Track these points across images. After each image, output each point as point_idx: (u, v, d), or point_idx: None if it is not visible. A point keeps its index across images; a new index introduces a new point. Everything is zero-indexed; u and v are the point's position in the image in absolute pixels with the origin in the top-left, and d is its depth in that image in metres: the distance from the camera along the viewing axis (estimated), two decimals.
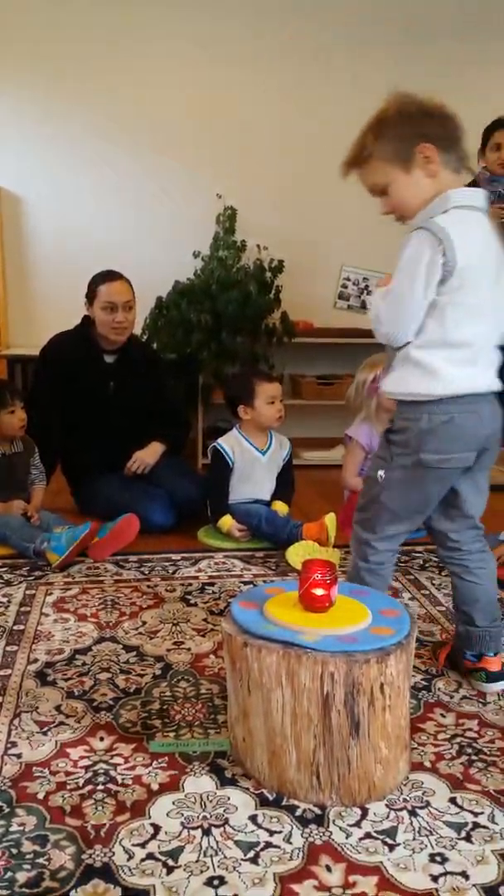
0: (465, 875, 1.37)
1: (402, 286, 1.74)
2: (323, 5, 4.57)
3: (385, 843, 1.45)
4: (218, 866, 1.38)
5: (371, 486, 1.93)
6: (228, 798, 1.57)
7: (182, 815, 1.51)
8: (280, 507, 3.20)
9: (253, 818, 1.51)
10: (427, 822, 1.50)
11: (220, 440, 3.22)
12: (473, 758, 1.71)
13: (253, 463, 3.19)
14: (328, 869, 1.38)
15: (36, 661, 2.13)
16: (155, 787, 1.60)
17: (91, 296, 3.36)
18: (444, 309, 1.73)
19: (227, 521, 3.11)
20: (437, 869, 1.38)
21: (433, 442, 1.78)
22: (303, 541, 2.91)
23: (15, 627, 2.33)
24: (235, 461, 3.17)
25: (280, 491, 3.28)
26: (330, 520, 2.96)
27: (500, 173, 3.77)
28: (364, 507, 1.95)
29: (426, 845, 1.44)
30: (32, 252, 4.69)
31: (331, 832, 1.47)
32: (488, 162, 3.79)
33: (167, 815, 1.51)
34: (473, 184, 3.88)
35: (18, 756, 1.69)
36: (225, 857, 1.40)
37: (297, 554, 2.83)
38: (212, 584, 2.68)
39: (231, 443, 3.19)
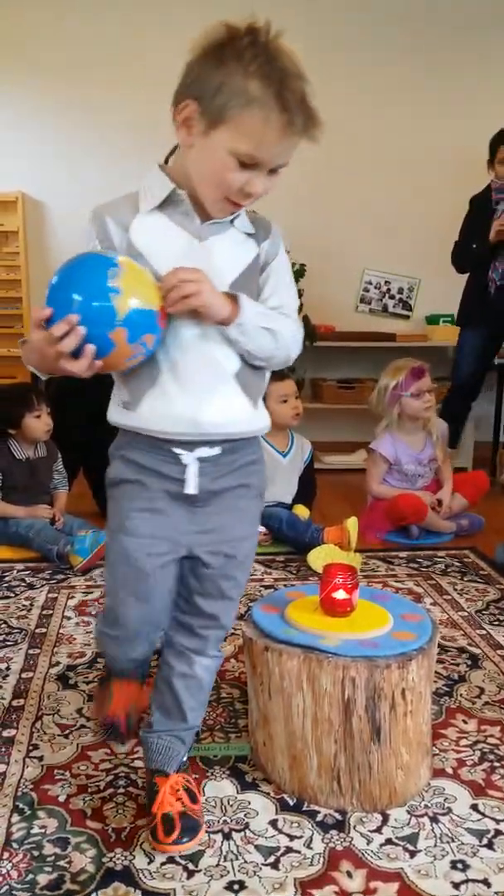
0: (486, 883, 1.36)
1: (295, 302, 1.48)
2: (332, 15, 4.57)
3: (406, 849, 1.44)
4: (238, 871, 1.38)
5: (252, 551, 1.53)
6: (249, 802, 1.57)
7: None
8: (301, 511, 3.19)
9: (273, 823, 1.51)
10: (448, 829, 1.50)
11: None
12: (496, 764, 1.70)
13: (274, 466, 3.19)
14: (349, 875, 1.37)
15: (58, 664, 2.14)
16: None
17: None
18: None
19: None
20: (458, 876, 1.37)
21: None
22: (324, 544, 2.91)
23: (37, 631, 2.34)
24: None
25: (302, 495, 3.27)
26: (351, 523, 2.94)
27: None
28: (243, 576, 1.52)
29: (447, 852, 1.43)
30: (55, 257, 4.72)
31: (351, 838, 1.47)
32: (498, 174, 3.80)
33: None
34: (487, 191, 3.87)
35: (40, 759, 1.70)
36: (245, 861, 1.40)
37: (318, 558, 2.83)
38: None
39: None
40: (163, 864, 1.39)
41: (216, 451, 1.40)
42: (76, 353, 1.20)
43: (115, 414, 1.43)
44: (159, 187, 1.34)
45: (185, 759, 1.55)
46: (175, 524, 1.42)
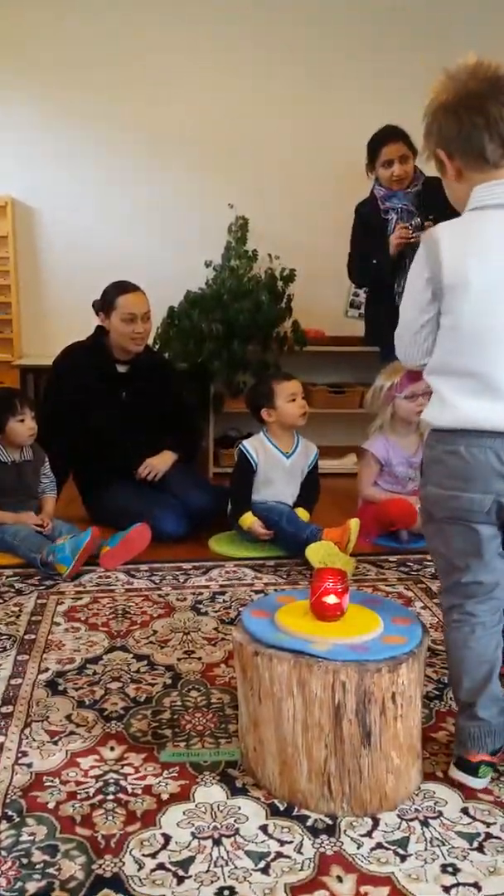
0: (477, 886, 1.36)
1: (403, 306, 1.63)
2: (333, 16, 4.58)
3: (396, 853, 1.44)
4: (228, 876, 1.37)
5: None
6: (239, 808, 1.56)
7: (192, 825, 1.51)
8: (301, 514, 3.18)
9: (264, 828, 1.50)
10: (439, 833, 1.49)
11: (245, 442, 3.23)
12: None
13: (276, 466, 3.19)
14: (339, 879, 1.37)
15: (47, 670, 2.13)
16: (165, 796, 1.59)
17: (108, 307, 3.37)
18: (443, 332, 1.55)
19: (248, 518, 3.10)
20: (449, 880, 1.37)
21: (437, 475, 1.57)
22: (323, 540, 2.90)
23: (26, 637, 2.33)
24: (259, 463, 3.16)
25: (304, 498, 3.26)
26: (354, 524, 2.93)
27: (396, 188, 3.53)
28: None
29: (438, 856, 1.43)
30: (45, 262, 4.71)
31: (342, 842, 1.46)
32: (382, 178, 3.54)
33: (178, 825, 1.51)
34: (372, 199, 3.61)
35: (29, 765, 1.69)
36: (235, 867, 1.40)
37: (316, 553, 2.83)
38: (223, 593, 2.68)
39: (255, 445, 3.19)
40: (153, 870, 1.39)
41: None
42: None
43: None
44: None
45: None
46: None
